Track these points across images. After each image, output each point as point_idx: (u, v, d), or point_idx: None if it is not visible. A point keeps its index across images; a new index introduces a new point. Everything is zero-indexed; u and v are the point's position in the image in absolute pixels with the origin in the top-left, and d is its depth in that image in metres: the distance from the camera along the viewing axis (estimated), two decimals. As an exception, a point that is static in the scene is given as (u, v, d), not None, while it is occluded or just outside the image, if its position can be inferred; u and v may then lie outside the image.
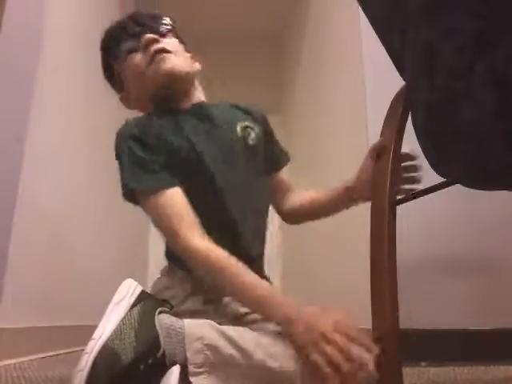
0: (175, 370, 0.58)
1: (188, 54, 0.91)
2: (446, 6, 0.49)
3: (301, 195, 0.99)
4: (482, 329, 1.24)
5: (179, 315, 0.66)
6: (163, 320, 0.62)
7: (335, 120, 1.84)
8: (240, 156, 0.83)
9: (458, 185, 0.63)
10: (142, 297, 0.65)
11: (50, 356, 1.37)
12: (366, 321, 1.33)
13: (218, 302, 0.76)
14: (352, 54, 1.59)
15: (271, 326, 0.67)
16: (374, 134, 1.40)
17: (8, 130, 1.29)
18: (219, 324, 0.64)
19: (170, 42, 0.85)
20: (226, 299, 0.77)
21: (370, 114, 1.42)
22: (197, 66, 0.93)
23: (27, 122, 1.31)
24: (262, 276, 0.77)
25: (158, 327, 0.60)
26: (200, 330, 0.62)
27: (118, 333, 0.58)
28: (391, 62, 1.52)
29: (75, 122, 1.71)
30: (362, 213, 1.46)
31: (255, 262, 0.81)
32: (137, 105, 0.90)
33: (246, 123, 0.89)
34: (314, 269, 2.06)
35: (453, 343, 1.22)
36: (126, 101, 0.92)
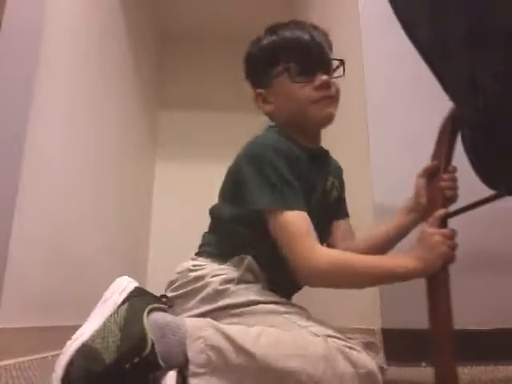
0: (171, 374, 0.57)
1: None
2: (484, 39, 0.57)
3: (359, 239, 1.01)
4: (482, 329, 1.24)
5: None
6: (158, 319, 0.61)
7: (335, 120, 1.83)
8: (320, 207, 0.85)
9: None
10: (134, 294, 0.64)
11: (50, 356, 1.37)
12: (371, 321, 1.34)
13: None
14: (352, 54, 1.59)
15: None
16: (374, 133, 1.41)
17: (8, 130, 1.29)
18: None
19: (335, 85, 0.88)
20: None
21: (369, 113, 1.42)
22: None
23: (27, 121, 1.31)
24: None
25: (145, 325, 0.59)
26: (201, 329, 0.62)
27: (101, 331, 0.57)
28: (390, 62, 1.52)
29: (75, 121, 1.71)
30: (365, 213, 1.47)
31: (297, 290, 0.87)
32: (272, 115, 0.91)
33: (334, 180, 0.93)
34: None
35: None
36: (262, 102, 0.92)
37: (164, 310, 0.66)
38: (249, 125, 3.41)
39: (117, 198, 2.26)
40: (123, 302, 0.62)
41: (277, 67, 0.86)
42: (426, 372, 1.04)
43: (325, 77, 0.84)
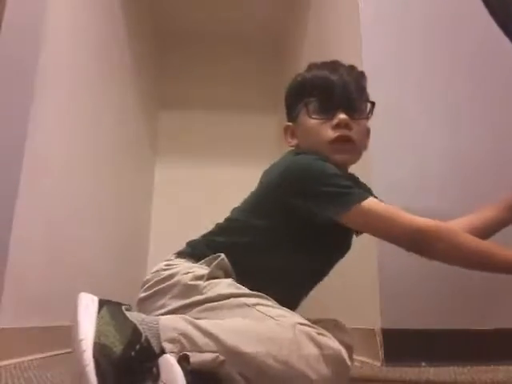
0: (174, 364, 0.59)
1: (366, 131, 0.94)
2: None
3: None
4: (482, 329, 1.24)
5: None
6: (134, 316, 0.64)
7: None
8: None
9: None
10: (102, 302, 0.67)
11: (50, 356, 1.37)
12: (371, 321, 1.34)
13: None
14: (352, 54, 1.59)
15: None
16: (374, 134, 1.41)
17: (8, 131, 1.29)
18: None
19: (358, 128, 0.88)
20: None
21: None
22: (367, 145, 0.95)
23: (27, 122, 1.31)
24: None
25: (131, 318, 0.63)
26: (173, 321, 0.65)
27: (99, 332, 0.60)
28: (390, 62, 1.52)
29: (75, 122, 1.71)
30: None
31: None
32: (297, 149, 0.93)
33: None
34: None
35: (453, 343, 1.22)
36: (290, 136, 0.96)
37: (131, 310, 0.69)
38: (249, 125, 3.43)
39: (116, 198, 2.26)
40: (99, 309, 0.65)
41: (301, 102, 0.90)
42: (425, 372, 1.05)
43: (343, 116, 0.85)
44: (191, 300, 0.75)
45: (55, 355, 1.39)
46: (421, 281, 1.30)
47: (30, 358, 1.27)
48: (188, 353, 0.60)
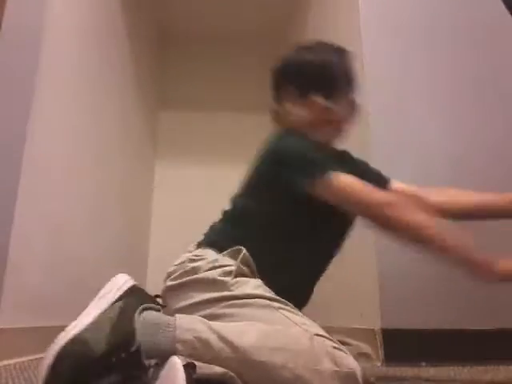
0: (178, 363, 0.57)
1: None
2: None
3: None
4: (482, 329, 1.24)
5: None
6: (149, 317, 0.64)
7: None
8: None
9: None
10: (129, 292, 0.67)
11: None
12: (371, 321, 1.34)
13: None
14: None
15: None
16: (375, 133, 1.41)
17: (8, 131, 1.29)
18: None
19: (341, 109, 0.94)
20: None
21: (370, 113, 1.42)
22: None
23: (27, 122, 1.31)
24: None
25: (136, 323, 0.62)
26: (191, 323, 0.64)
27: (94, 325, 0.60)
28: (390, 62, 1.52)
29: (75, 122, 1.71)
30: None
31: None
32: (293, 125, 0.98)
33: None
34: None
35: (453, 343, 1.22)
36: (282, 115, 1.04)
37: (157, 310, 0.68)
38: (248, 125, 3.42)
39: (117, 198, 2.26)
40: (118, 300, 0.65)
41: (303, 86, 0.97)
42: (425, 372, 1.05)
43: (321, 99, 0.90)
44: (219, 295, 0.75)
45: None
46: (421, 281, 1.30)
47: (29, 357, 1.27)
48: (197, 363, 0.58)
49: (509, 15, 1.08)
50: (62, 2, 1.56)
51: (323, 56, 0.98)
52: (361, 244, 1.45)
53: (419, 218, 0.78)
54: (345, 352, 0.66)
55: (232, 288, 0.75)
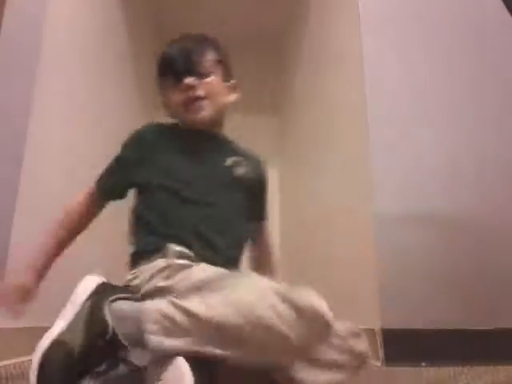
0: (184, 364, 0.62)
1: (226, 86, 1.03)
2: None
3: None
4: (482, 329, 1.24)
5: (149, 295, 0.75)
6: (116, 307, 0.68)
7: (335, 120, 1.84)
8: (213, 176, 0.94)
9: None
10: (100, 289, 0.73)
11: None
12: (371, 321, 1.33)
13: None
14: (352, 55, 1.59)
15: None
16: (374, 133, 1.41)
17: (8, 130, 1.29)
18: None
19: (207, 85, 0.96)
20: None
21: (370, 113, 1.42)
22: (231, 98, 1.06)
23: (27, 122, 1.31)
24: None
25: (106, 314, 0.67)
26: (156, 303, 0.68)
27: (70, 327, 0.66)
28: (390, 62, 1.52)
29: (75, 122, 1.71)
30: (365, 221, 1.47)
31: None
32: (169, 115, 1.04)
33: (237, 159, 0.99)
34: (317, 271, 2.06)
35: (453, 343, 1.22)
36: (164, 107, 1.07)
37: (128, 299, 0.73)
38: (249, 125, 3.43)
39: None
40: (88, 299, 0.71)
41: (161, 83, 1.04)
42: (425, 372, 1.04)
43: (187, 80, 0.94)
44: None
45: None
46: (420, 281, 1.30)
47: (30, 358, 1.26)
48: (162, 337, 0.64)
49: (509, 15, 1.08)
50: (61, 1, 1.56)
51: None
52: (361, 244, 1.45)
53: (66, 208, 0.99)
54: (301, 295, 0.68)
55: (178, 287, 0.74)
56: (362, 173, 1.45)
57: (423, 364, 1.16)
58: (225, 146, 1.02)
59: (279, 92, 3.23)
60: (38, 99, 1.36)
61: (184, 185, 0.89)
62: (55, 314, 1.57)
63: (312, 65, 2.32)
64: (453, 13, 1.56)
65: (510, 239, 1.36)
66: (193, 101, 0.94)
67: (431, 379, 0.94)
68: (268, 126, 3.23)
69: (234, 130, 3.73)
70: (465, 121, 1.46)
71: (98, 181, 1.00)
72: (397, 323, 1.23)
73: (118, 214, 2.32)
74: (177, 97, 0.96)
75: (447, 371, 1.04)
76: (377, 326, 1.24)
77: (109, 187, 1.00)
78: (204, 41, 1.02)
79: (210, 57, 0.99)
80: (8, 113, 1.31)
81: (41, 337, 1.39)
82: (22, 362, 1.20)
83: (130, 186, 0.99)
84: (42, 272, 0.99)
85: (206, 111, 0.95)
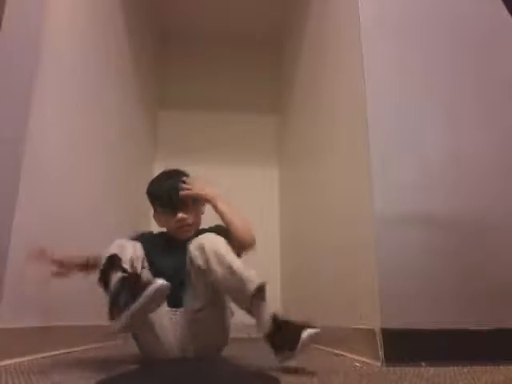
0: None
1: (201, 211, 1.43)
2: None
3: None
4: (482, 329, 1.24)
5: None
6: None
7: (334, 120, 1.84)
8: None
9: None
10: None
11: (50, 356, 1.37)
12: (371, 321, 1.33)
13: None
14: (352, 54, 1.59)
15: None
16: (374, 134, 1.41)
17: (8, 130, 1.29)
18: None
19: (192, 214, 1.37)
20: None
21: (369, 113, 1.42)
22: (200, 220, 1.42)
23: (27, 122, 1.31)
24: None
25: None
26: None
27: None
28: (390, 62, 1.52)
29: (75, 121, 1.71)
30: (365, 223, 1.47)
31: None
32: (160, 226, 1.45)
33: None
34: (315, 273, 2.06)
35: (453, 343, 1.22)
36: (156, 220, 1.43)
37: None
38: (249, 125, 3.42)
39: (116, 198, 2.26)
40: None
41: (154, 206, 1.43)
42: (425, 372, 1.04)
43: (180, 215, 1.34)
44: None
45: (55, 355, 1.39)
46: (421, 281, 1.30)
47: (29, 357, 1.27)
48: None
49: (509, 15, 1.08)
50: (61, 1, 1.56)
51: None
52: (361, 244, 1.45)
53: None
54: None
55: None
56: (361, 173, 1.45)
57: (423, 364, 1.16)
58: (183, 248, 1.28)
59: (279, 92, 3.24)
60: (38, 99, 1.36)
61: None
62: (55, 314, 1.58)
63: (312, 65, 2.32)
64: (453, 12, 1.56)
65: (511, 240, 1.36)
66: (183, 227, 1.35)
67: (431, 379, 0.94)
68: (268, 125, 3.24)
69: (234, 130, 3.75)
70: (466, 121, 1.46)
71: None
72: (397, 323, 1.23)
73: (122, 217, 2.32)
74: (172, 223, 1.36)
75: (447, 371, 1.04)
76: (377, 326, 1.24)
77: None
78: (183, 177, 1.40)
79: (195, 197, 1.37)
80: (8, 113, 1.31)
81: (41, 337, 1.39)
82: (22, 361, 1.20)
83: None
84: (68, 263, 1.26)
85: (191, 232, 1.36)
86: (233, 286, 1.09)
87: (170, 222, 1.35)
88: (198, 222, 1.40)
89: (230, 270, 1.08)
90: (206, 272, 1.13)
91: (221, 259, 1.10)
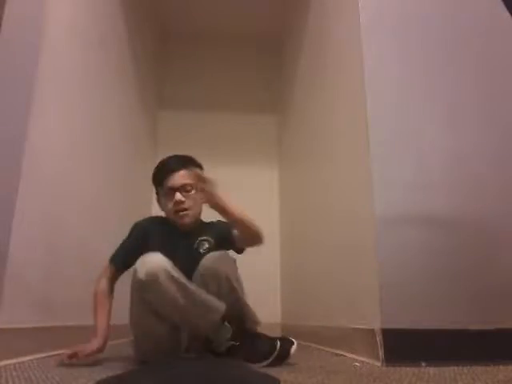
0: None
1: (201, 197, 1.31)
2: None
3: None
4: (482, 329, 1.24)
5: None
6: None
7: (335, 120, 1.84)
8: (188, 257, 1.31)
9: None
10: None
11: (50, 356, 1.37)
12: (371, 321, 1.33)
13: None
14: (352, 54, 1.59)
15: None
16: (374, 134, 1.41)
17: (8, 131, 1.29)
18: None
19: (191, 199, 1.35)
20: None
21: (369, 113, 1.42)
22: (202, 204, 1.37)
23: (27, 122, 1.31)
24: None
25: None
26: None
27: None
28: (390, 61, 1.52)
29: (75, 121, 1.71)
30: (366, 217, 1.47)
31: None
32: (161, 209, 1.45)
33: (204, 239, 1.38)
34: (315, 273, 2.06)
35: (453, 343, 1.22)
36: (158, 204, 1.45)
37: None
38: (249, 125, 3.42)
39: (116, 197, 2.26)
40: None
41: (156, 187, 1.42)
42: (425, 372, 1.05)
43: (178, 197, 1.33)
44: None
45: (55, 355, 1.39)
46: (421, 281, 1.30)
47: (29, 357, 1.27)
48: None
49: (509, 15, 1.08)
50: (62, 1, 1.56)
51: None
52: (361, 244, 1.45)
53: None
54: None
55: None
56: (362, 173, 1.45)
57: (423, 364, 1.16)
58: (195, 232, 1.38)
59: (279, 92, 3.24)
60: (38, 99, 1.36)
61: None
62: (55, 314, 1.58)
63: (312, 65, 2.32)
64: (453, 12, 1.56)
65: (511, 240, 1.36)
66: (180, 211, 1.33)
67: (431, 379, 0.94)
68: (268, 125, 3.24)
69: (234, 130, 3.74)
70: (467, 120, 1.46)
71: (115, 260, 1.41)
72: (397, 323, 1.23)
73: (123, 217, 2.33)
74: (170, 206, 1.35)
75: (447, 371, 1.04)
76: (377, 326, 1.24)
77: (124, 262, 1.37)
78: (191, 162, 1.43)
79: (193, 180, 1.31)
80: (8, 113, 1.31)
81: (41, 337, 1.39)
82: (22, 361, 1.20)
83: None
84: (107, 336, 1.26)
85: (189, 218, 1.35)
86: (235, 315, 1.22)
87: (169, 206, 1.35)
88: (196, 210, 1.37)
89: (238, 302, 1.24)
90: (216, 293, 1.21)
91: (232, 291, 1.23)
